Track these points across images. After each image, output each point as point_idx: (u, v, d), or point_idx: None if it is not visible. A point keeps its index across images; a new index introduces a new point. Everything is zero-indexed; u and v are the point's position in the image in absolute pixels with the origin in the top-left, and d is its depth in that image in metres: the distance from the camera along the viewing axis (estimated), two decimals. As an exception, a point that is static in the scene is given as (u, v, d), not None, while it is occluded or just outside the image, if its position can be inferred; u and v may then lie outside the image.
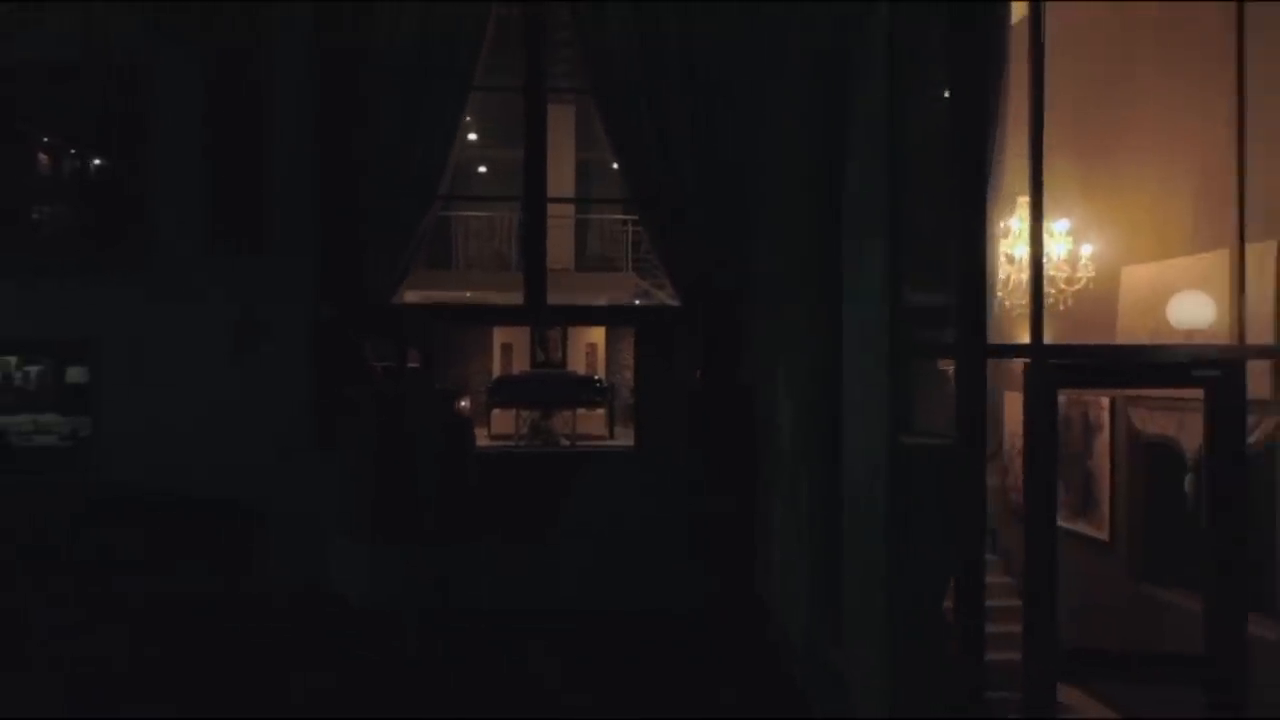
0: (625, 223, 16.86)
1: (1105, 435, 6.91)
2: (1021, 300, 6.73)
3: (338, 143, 9.89)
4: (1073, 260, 6.56)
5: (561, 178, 15.16)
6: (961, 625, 5.22)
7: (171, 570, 10.92)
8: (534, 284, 10.27)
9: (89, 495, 12.95)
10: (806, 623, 7.83)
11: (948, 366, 5.41)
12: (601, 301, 17.73)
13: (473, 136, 15.09)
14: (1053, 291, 6.59)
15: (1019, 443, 7.59)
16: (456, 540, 9.90)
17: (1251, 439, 5.38)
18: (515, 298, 11.26)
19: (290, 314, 10.25)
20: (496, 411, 18.14)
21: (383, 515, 9.76)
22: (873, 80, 6.31)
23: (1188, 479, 6.09)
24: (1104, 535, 6.95)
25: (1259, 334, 5.34)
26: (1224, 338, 5.54)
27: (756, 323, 9.77)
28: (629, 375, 18.20)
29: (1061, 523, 7.53)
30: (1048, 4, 6.82)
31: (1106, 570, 6.96)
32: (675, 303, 10.49)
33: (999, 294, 6.53)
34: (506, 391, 18.07)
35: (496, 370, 19.95)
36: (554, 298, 10.65)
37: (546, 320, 15.73)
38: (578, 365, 19.79)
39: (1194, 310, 5.69)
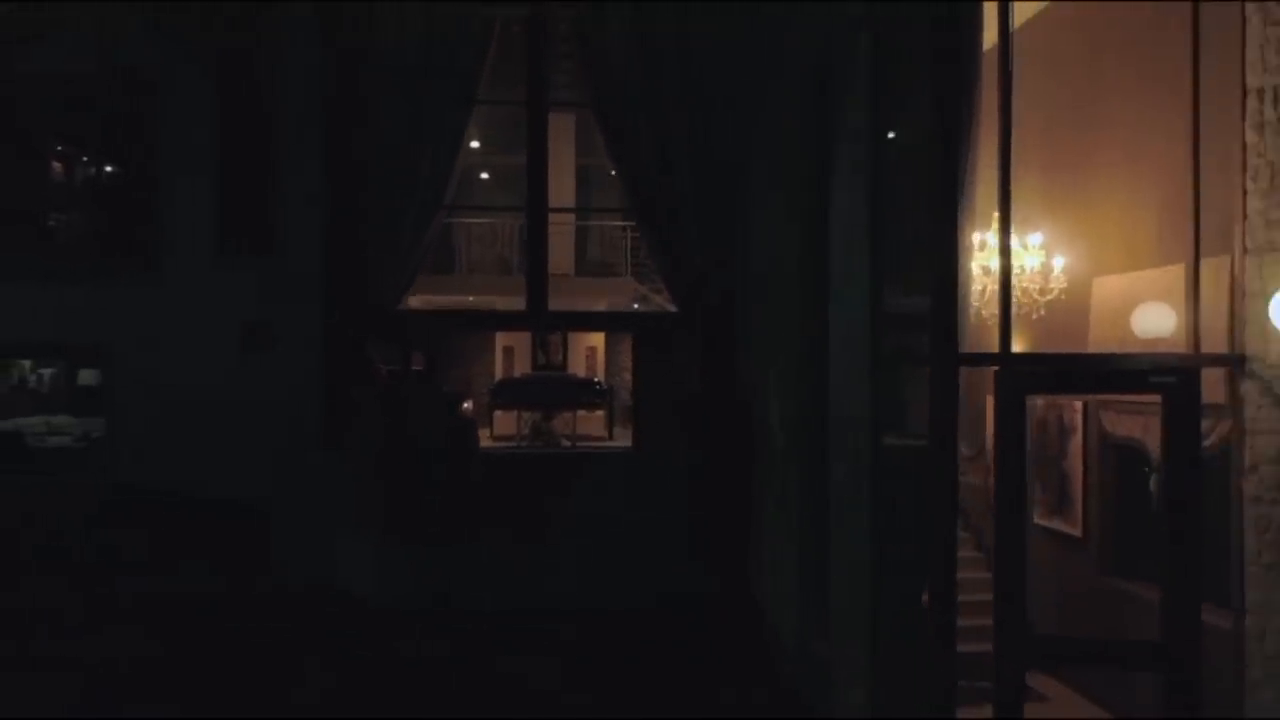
0: (624, 229, 17.20)
1: (1078, 437, 7.27)
2: (997, 310, 7.06)
3: (345, 153, 10.24)
4: (1045, 272, 6.91)
5: (562, 184, 15.49)
6: (935, 618, 5.56)
7: (182, 569, 11.24)
8: (535, 290, 10.62)
9: (101, 495, 13.30)
10: (796, 620, 8.18)
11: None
12: (601, 306, 18.09)
13: (475, 144, 15.42)
14: (1026, 302, 6.94)
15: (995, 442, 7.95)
16: (460, 538, 10.25)
17: (1208, 441, 5.74)
18: (517, 302, 11.61)
19: (298, 319, 10.58)
20: (498, 413, 18.49)
21: (389, 514, 10.12)
22: (857, 101, 6.67)
23: (1152, 479, 6.44)
24: (1077, 532, 7.30)
25: (1215, 343, 5.68)
26: (1184, 347, 5.89)
27: (750, 328, 10.12)
28: (628, 378, 18.53)
29: (1039, 520, 7.91)
30: (1021, 30, 7.21)
31: (1080, 565, 7.31)
32: (673, 308, 10.85)
33: (975, 304, 6.86)
34: (508, 394, 18.42)
35: (499, 373, 20.30)
36: (555, 303, 11.01)
37: (548, 326, 16.11)
38: (578, 368, 20.16)
39: (1156, 320, 6.04)
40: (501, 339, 20.33)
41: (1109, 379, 5.81)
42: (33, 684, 8.00)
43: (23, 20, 13.15)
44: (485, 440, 17.15)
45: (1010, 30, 5.45)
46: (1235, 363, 5.46)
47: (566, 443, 17.37)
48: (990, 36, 5.81)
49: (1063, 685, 7.44)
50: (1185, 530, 5.41)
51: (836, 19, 6.89)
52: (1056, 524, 7.60)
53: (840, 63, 7.13)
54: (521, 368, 20.13)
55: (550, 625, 9.61)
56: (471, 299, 17.51)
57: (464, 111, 10.26)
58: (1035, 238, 7.03)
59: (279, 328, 11.08)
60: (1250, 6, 5.40)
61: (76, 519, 12.88)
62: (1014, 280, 6.91)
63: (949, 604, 5.50)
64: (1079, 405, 7.24)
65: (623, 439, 17.34)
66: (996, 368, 5.59)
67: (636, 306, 18.24)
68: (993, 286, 7.09)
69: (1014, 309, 6.93)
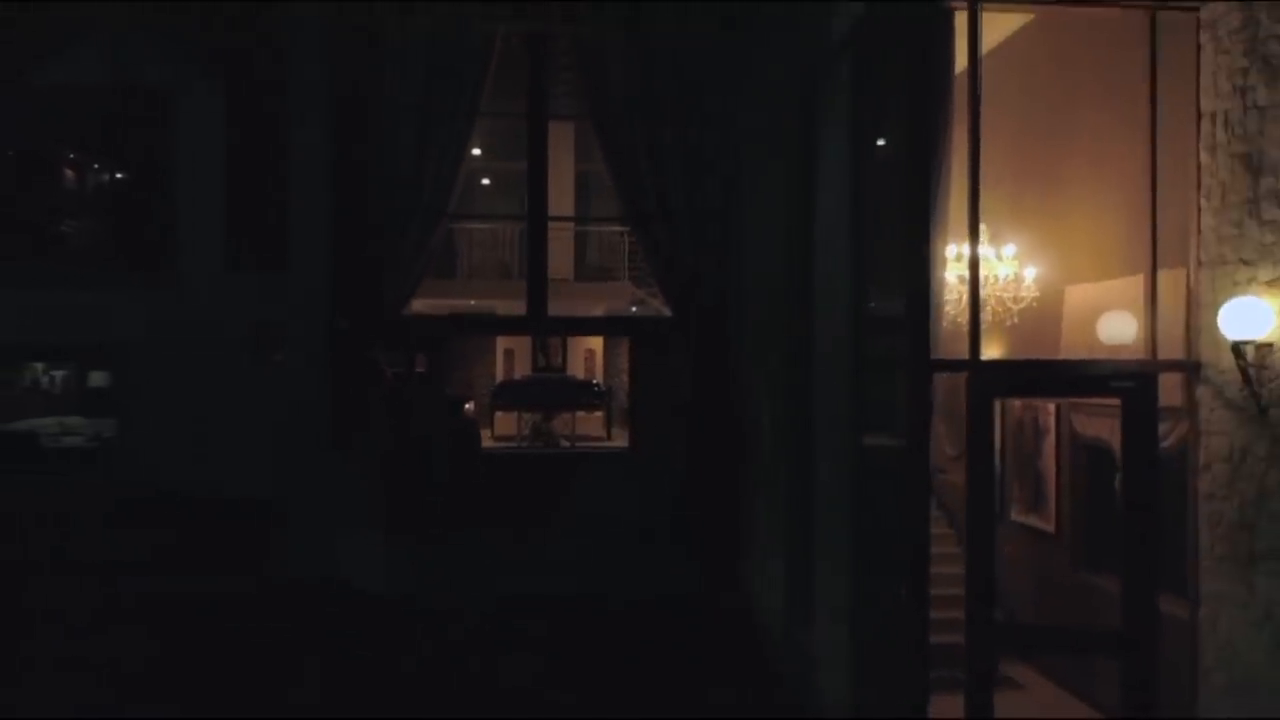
0: (623, 234, 17.55)
1: (1052, 438, 7.63)
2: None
3: (351, 163, 10.60)
4: (1018, 281, 7.27)
5: (561, 190, 15.85)
6: (909, 609, 5.92)
7: (192, 566, 11.57)
8: (535, 296, 11.00)
9: (114, 495, 13.65)
10: (783, 608, 8.55)
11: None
12: (600, 310, 18.47)
13: (476, 151, 15.77)
14: (1000, 310, 7.31)
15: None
16: (463, 535, 10.62)
17: (1167, 442, 6.10)
18: (518, 305, 11.98)
19: (306, 324, 10.95)
20: (499, 414, 18.87)
21: (395, 511, 10.49)
22: (838, 118, 7.05)
23: (1118, 477, 6.79)
24: (1051, 528, 7.66)
25: (1174, 350, 6.03)
26: (1145, 353, 6.24)
27: (743, 332, 10.49)
28: (626, 379, 18.89)
29: (1016, 517, 8.28)
30: (997, 51, 7.58)
31: (1053, 559, 7.68)
32: (668, 312, 11.22)
33: (952, 312, 7.21)
34: (509, 395, 18.81)
35: (500, 375, 20.69)
36: (554, 307, 11.38)
37: (547, 330, 16.50)
38: (577, 370, 20.54)
39: (1119, 328, 6.40)
40: (502, 342, 20.71)
41: (1072, 383, 6.19)
42: (49, 681, 8.27)
43: (40, 34, 13.53)
44: (487, 440, 17.50)
45: (979, 57, 5.80)
46: (1191, 368, 5.81)
47: (566, 443, 17.74)
48: (963, 60, 6.16)
49: (1038, 675, 7.80)
50: (1142, 525, 5.78)
51: (819, 43, 7.26)
52: (1033, 520, 7.96)
53: (823, 83, 7.50)
54: (522, 370, 20.52)
55: (550, 614, 9.97)
56: (473, 302, 17.88)
57: (467, 123, 10.63)
58: (1009, 248, 7.39)
59: (288, 333, 11.45)
60: (1204, 35, 5.76)
61: (90, 517, 13.25)
62: (989, 289, 7.28)
63: (922, 596, 5.86)
64: (1052, 408, 7.60)
65: (621, 439, 17.70)
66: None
67: (634, 310, 18.61)
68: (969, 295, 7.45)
69: (990, 316, 7.34)
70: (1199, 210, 5.79)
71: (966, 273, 7.26)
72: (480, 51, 10.57)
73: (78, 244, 14.85)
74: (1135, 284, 6.58)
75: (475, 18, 10.53)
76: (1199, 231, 5.78)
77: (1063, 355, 7.29)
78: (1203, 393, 5.73)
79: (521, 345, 20.44)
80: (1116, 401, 6.35)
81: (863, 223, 6.78)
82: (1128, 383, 5.79)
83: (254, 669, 8.57)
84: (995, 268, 7.31)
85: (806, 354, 8.05)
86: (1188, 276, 5.91)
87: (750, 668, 8.81)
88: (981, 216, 7.16)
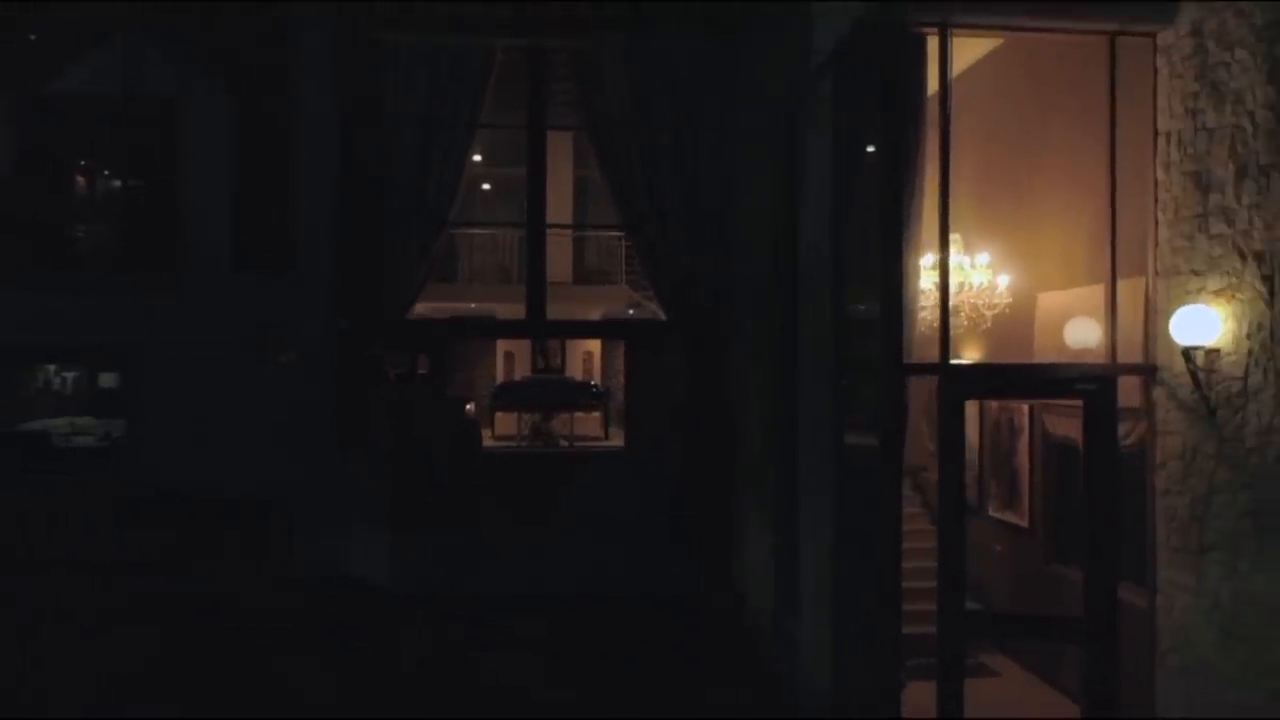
0: (620, 238, 17.92)
1: (1025, 438, 8.00)
2: (953, 320, 7.79)
3: (357, 173, 11.00)
4: (991, 288, 7.65)
5: (560, 197, 16.23)
6: (883, 599, 6.29)
7: (202, 562, 11.90)
8: (535, 301, 11.41)
9: (125, 494, 14.01)
10: (771, 603, 8.93)
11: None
12: (598, 312, 18.87)
13: (477, 158, 16.14)
14: (974, 316, 7.68)
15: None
16: (465, 530, 11.01)
17: (1128, 441, 6.48)
18: (517, 309, 12.38)
19: (312, 327, 11.33)
20: (500, 414, 19.26)
21: (399, 508, 10.88)
22: (820, 133, 7.42)
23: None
24: (1025, 523, 8.04)
25: (1135, 354, 6.40)
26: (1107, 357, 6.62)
27: (733, 336, 10.88)
28: (623, 380, 19.27)
29: (994, 513, 8.66)
30: (972, 70, 7.96)
31: (1028, 552, 8.05)
32: (664, 316, 11.62)
33: (930, 318, 7.56)
34: (509, 396, 19.19)
35: (500, 376, 21.09)
36: (553, 310, 11.78)
37: (546, 334, 16.90)
38: (575, 371, 20.95)
39: (1084, 333, 6.78)
40: (503, 344, 21.10)
41: (1037, 386, 6.57)
42: (62, 676, 8.44)
43: (52, 45, 13.92)
44: (487, 440, 17.87)
45: (948, 80, 6.18)
46: (1149, 372, 6.20)
47: (564, 442, 18.12)
48: (936, 81, 6.53)
49: (1013, 663, 8.17)
50: (1103, 520, 6.16)
51: (803, 63, 7.63)
52: (1008, 516, 8.33)
53: (808, 99, 7.89)
54: (521, 371, 20.92)
55: (549, 607, 10.34)
56: (473, 305, 18.28)
57: (468, 134, 11.04)
58: (983, 257, 7.77)
59: (295, 336, 11.84)
60: (1160, 60, 6.15)
61: (100, 516, 13.62)
62: (964, 296, 7.66)
63: (895, 588, 6.23)
64: (1026, 409, 7.97)
65: (618, 439, 18.06)
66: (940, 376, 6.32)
67: (631, 312, 19.01)
68: (950, 302, 7.82)
69: (965, 322, 7.72)
70: (1156, 223, 6.17)
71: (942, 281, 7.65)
72: (481, 64, 10.97)
73: (88, 248, 15.22)
74: (1100, 292, 6.94)
75: (476, 28, 10.88)
76: (1156, 243, 6.17)
77: (1036, 358, 7.65)
78: (1159, 394, 6.11)
79: (521, 347, 20.82)
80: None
81: (843, 233, 7.16)
82: (1089, 385, 6.17)
83: (259, 664, 8.77)
84: (970, 276, 7.68)
85: (792, 357, 8.43)
86: (1146, 285, 6.28)
87: (741, 658, 9.17)
88: (956, 227, 7.58)
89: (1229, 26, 5.55)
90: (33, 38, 13.96)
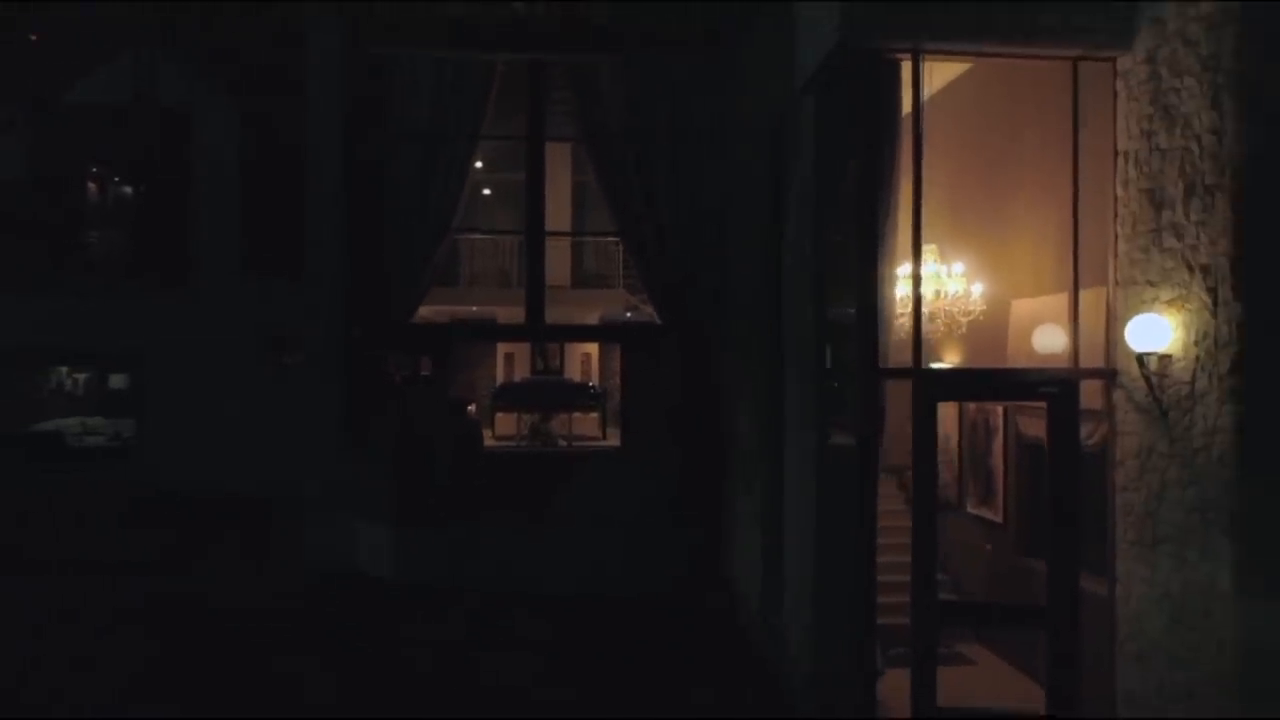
0: (617, 242, 18.32)
1: (1000, 438, 8.41)
2: (929, 327, 8.21)
3: (363, 182, 11.42)
4: (965, 296, 8.06)
5: (558, 203, 16.63)
6: (858, 591, 6.70)
7: (210, 561, 12.27)
8: (534, 306, 11.84)
9: (135, 492, 14.43)
10: (759, 592, 9.34)
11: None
12: (595, 315, 19.32)
13: (478, 164, 16.56)
14: (948, 322, 8.10)
15: (941, 444, 9.13)
16: (467, 526, 11.42)
17: (1091, 441, 6.89)
18: (517, 311, 12.80)
19: (321, 331, 11.74)
20: (500, 415, 19.67)
21: (404, 505, 11.30)
22: (803, 150, 7.83)
23: (1052, 472, 7.56)
24: (999, 518, 8.45)
25: (1098, 359, 6.81)
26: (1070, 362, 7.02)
27: (725, 340, 11.30)
28: (620, 382, 19.68)
29: (971, 509, 9.08)
30: (949, 88, 8.38)
31: (1002, 546, 8.46)
32: (659, 320, 12.05)
33: (905, 324, 7.94)
34: (509, 397, 19.61)
35: (500, 377, 21.52)
36: (552, 313, 12.22)
37: (545, 338, 17.33)
38: (574, 373, 21.38)
39: (1051, 339, 7.19)
40: (503, 347, 21.55)
41: (1005, 389, 6.98)
42: (68, 674, 8.65)
43: (66, 58, 14.36)
44: (488, 440, 18.27)
45: (920, 103, 6.59)
46: (1109, 376, 6.61)
47: (563, 442, 18.52)
48: (935, 88, 6.92)
49: (988, 652, 8.58)
50: (1065, 514, 6.57)
51: (789, 79, 8.03)
52: (984, 512, 8.75)
53: (791, 116, 8.30)
54: (521, 372, 21.37)
55: (547, 601, 10.75)
56: (474, 309, 18.72)
57: (470, 145, 11.46)
58: (958, 266, 8.18)
59: (304, 340, 12.26)
60: (1119, 84, 6.57)
61: (110, 514, 14.04)
62: (940, 303, 8.07)
63: (870, 581, 6.63)
64: (1001, 410, 8.38)
65: (615, 439, 18.47)
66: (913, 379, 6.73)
67: (629, 315, 19.44)
68: (927, 309, 8.22)
69: (942, 327, 8.13)
70: (1115, 237, 6.59)
71: (923, 290, 8.06)
72: (482, 78, 11.39)
73: (99, 253, 15.65)
74: (1067, 299, 7.36)
75: (478, 42, 11.27)
76: (1115, 255, 6.58)
77: (1009, 362, 8.05)
78: (1118, 397, 6.52)
79: (521, 349, 21.26)
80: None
81: (824, 243, 7.56)
82: (1053, 388, 6.58)
83: (264, 659, 9.00)
84: (945, 284, 8.08)
85: (779, 361, 8.84)
86: (1108, 294, 6.69)
87: (732, 648, 9.58)
88: (933, 237, 8.01)
89: (1179, 55, 5.96)
90: (33, 38, 14.36)
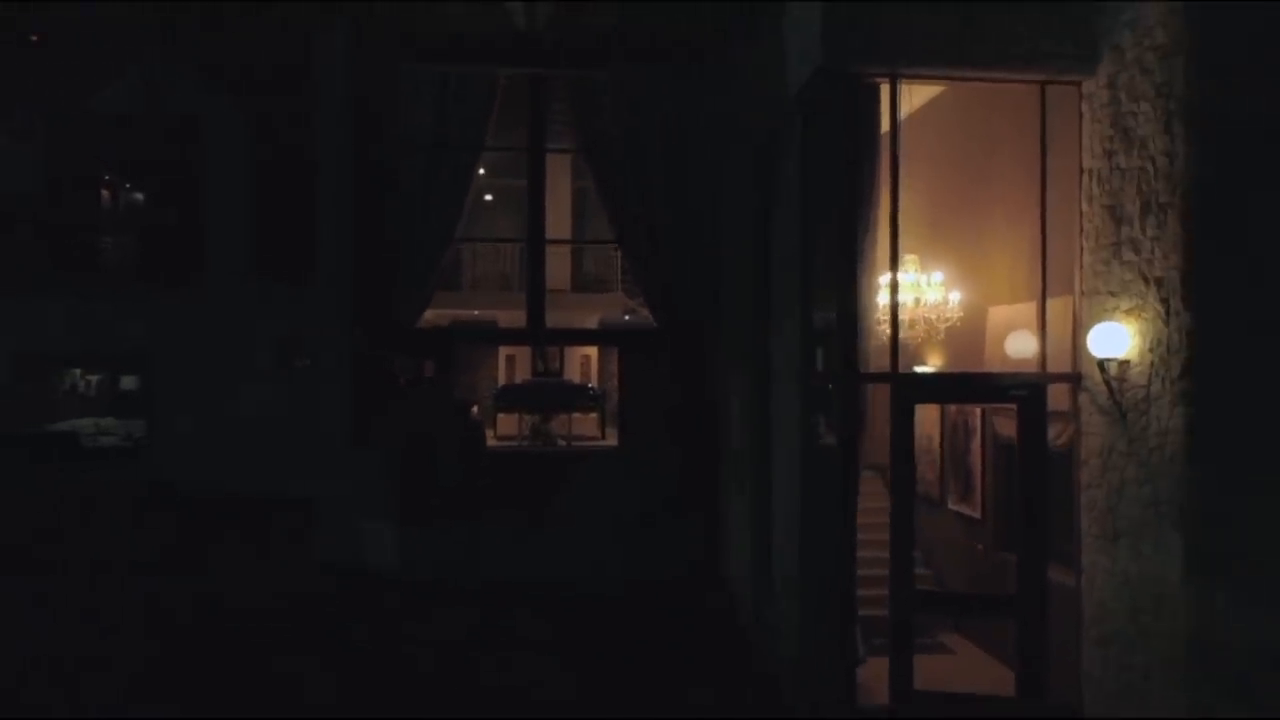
0: (616, 247, 18.78)
1: (978, 438, 8.85)
2: (910, 332, 8.64)
3: (371, 189, 11.84)
4: (944, 304, 8.49)
5: (559, 209, 17.09)
6: (836, 584, 7.13)
7: (218, 560, 12.62)
8: (535, 310, 12.27)
9: (147, 491, 14.87)
10: (750, 587, 9.77)
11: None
12: (594, 318, 19.79)
13: (481, 170, 17.01)
14: (927, 328, 8.54)
15: (924, 444, 9.58)
16: (470, 523, 11.85)
17: (1059, 441, 7.32)
18: (518, 315, 13.23)
19: (328, 335, 12.14)
20: (502, 415, 20.13)
21: (409, 503, 11.73)
22: (790, 163, 8.27)
23: (1025, 470, 7.99)
24: (978, 514, 8.88)
25: (1063, 364, 7.24)
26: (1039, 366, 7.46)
27: (718, 345, 11.74)
28: (618, 383, 20.11)
29: (952, 506, 9.50)
30: (931, 105, 8.81)
31: (980, 540, 8.89)
32: (655, 324, 12.48)
33: (887, 330, 8.37)
34: (510, 398, 20.08)
35: (502, 379, 22.00)
36: (552, 316, 12.65)
37: (545, 342, 17.80)
38: (574, 374, 21.86)
39: (1023, 345, 7.62)
40: (504, 349, 22.04)
41: (977, 392, 7.42)
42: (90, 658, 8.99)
43: (82, 69, 14.79)
44: (490, 439, 18.71)
45: (898, 123, 7.02)
46: (1075, 380, 7.04)
47: (563, 442, 18.98)
48: (917, 104, 7.35)
49: (968, 642, 9.01)
50: (1033, 509, 7.01)
51: (777, 97, 8.47)
52: (964, 509, 9.18)
53: (779, 132, 8.73)
54: (522, 374, 21.85)
55: (548, 594, 11.14)
56: (476, 312, 19.19)
57: (474, 156, 11.89)
58: (937, 275, 8.61)
59: (312, 343, 12.70)
60: (1084, 105, 7.00)
61: (123, 512, 14.46)
62: (920, 310, 8.51)
63: (850, 573, 7.06)
64: (979, 412, 8.81)
65: (614, 439, 18.91)
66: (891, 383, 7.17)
67: (627, 318, 19.90)
68: (908, 315, 8.67)
69: (922, 333, 8.56)
70: (1081, 250, 7.02)
71: (899, 298, 8.50)
72: (485, 91, 11.83)
73: (113, 259, 16.09)
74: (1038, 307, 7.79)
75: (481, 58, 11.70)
76: (1081, 267, 7.02)
77: (986, 366, 8.49)
78: (1083, 400, 6.96)
79: (522, 351, 21.75)
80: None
81: (810, 253, 7.99)
82: (1022, 391, 7.02)
83: (266, 657, 9.18)
84: (925, 292, 8.52)
85: (768, 364, 9.28)
86: (1074, 303, 7.13)
87: (724, 639, 9.98)
88: (914, 248, 8.45)
89: (1136, 81, 6.40)
90: (33, 39, 14.68)
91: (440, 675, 8.84)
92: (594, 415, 19.42)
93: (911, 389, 7.21)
